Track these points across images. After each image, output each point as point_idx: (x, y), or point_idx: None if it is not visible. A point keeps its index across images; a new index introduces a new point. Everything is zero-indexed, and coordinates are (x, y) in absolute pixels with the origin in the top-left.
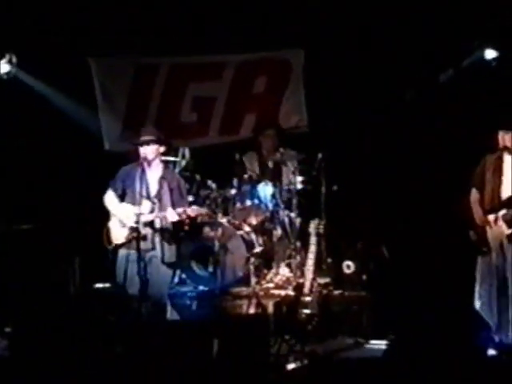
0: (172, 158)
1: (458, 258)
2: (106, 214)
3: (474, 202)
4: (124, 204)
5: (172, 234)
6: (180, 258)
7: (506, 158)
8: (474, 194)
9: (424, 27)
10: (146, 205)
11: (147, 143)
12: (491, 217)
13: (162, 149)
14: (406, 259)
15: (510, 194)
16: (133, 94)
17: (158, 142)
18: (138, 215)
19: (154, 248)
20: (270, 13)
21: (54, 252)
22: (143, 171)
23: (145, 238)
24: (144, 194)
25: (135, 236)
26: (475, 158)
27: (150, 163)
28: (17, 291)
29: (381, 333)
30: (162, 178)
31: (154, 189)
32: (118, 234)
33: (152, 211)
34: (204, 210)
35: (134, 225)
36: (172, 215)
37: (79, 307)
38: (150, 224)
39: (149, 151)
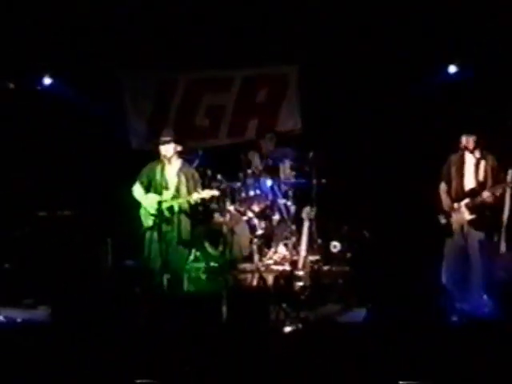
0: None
1: (428, 239)
2: (133, 203)
3: (442, 193)
4: (149, 194)
5: (189, 215)
6: (195, 240)
7: (468, 156)
8: (443, 186)
9: (401, 45)
10: (168, 193)
11: (167, 142)
12: (456, 204)
13: (179, 148)
14: (384, 240)
15: (471, 187)
16: (156, 102)
17: (175, 141)
18: (160, 202)
19: (173, 230)
20: (271, 34)
21: (90, 234)
22: (164, 166)
23: (168, 221)
24: (164, 185)
25: (159, 220)
26: (443, 157)
27: (169, 160)
28: (59, 267)
29: (362, 301)
30: (180, 171)
31: (172, 181)
32: (147, 219)
33: (173, 198)
34: (215, 192)
35: (156, 211)
36: (193, 198)
37: (111, 280)
38: (171, 209)
39: (168, 149)
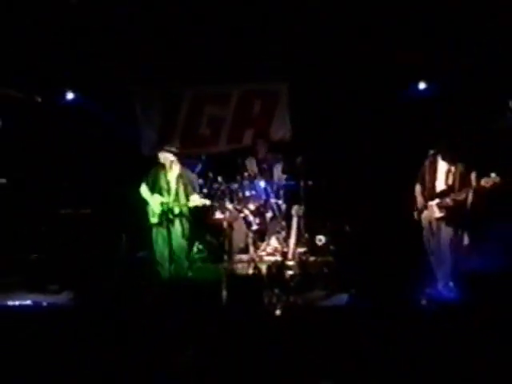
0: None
1: (402, 232)
2: (142, 201)
3: (417, 193)
4: (155, 195)
5: (187, 217)
6: (198, 234)
7: (440, 163)
8: (418, 187)
9: (376, 64)
10: (169, 196)
11: (166, 151)
12: (430, 203)
13: (172, 157)
14: (363, 234)
15: (442, 189)
16: (164, 114)
17: (174, 153)
18: (163, 203)
19: (174, 226)
20: (264, 55)
21: (108, 229)
22: (166, 172)
23: (170, 220)
24: (166, 188)
25: (163, 219)
26: (413, 162)
27: (170, 165)
28: (81, 257)
29: (344, 287)
30: (179, 177)
31: (173, 185)
32: (153, 216)
33: (174, 201)
34: (207, 202)
35: (160, 211)
36: (189, 204)
37: (127, 269)
38: (172, 211)
39: (166, 157)
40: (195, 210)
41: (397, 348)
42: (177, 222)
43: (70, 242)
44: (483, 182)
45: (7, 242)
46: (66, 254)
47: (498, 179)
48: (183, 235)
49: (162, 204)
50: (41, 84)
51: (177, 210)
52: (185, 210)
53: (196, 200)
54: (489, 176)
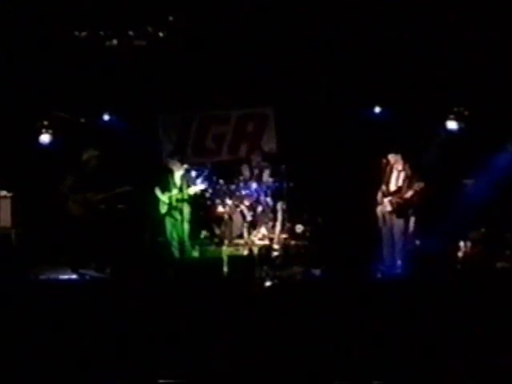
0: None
1: (363, 223)
2: (157, 199)
3: (379, 191)
4: (165, 193)
5: (187, 202)
6: (205, 223)
7: (394, 168)
8: (382, 187)
9: (343, 92)
10: (175, 190)
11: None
12: (384, 200)
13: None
14: (332, 224)
15: (393, 189)
16: (179, 132)
17: (181, 162)
18: (171, 197)
19: (178, 212)
20: (256, 87)
21: (136, 220)
22: (173, 174)
23: (175, 207)
24: (173, 184)
25: (170, 208)
26: (376, 169)
27: (177, 169)
28: (117, 241)
29: (316, 265)
30: (183, 177)
31: (178, 181)
32: (163, 207)
33: (179, 192)
34: (197, 189)
35: (168, 202)
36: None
37: (151, 250)
38: (178, 200)
39: (174, 164)
40: (196, 202)
41: (355, 308)
42: (180, 208)
43: (110, 230)
44: (415, 186)
45: (62, 230)
46: (105, 238)
47: (422, 185)
48: (185, 218)
49: (169, 197)
50: (84, 108)
51: (179, 197)
52: (186, 197)
53: (193, 189)
54: (419, 182)
